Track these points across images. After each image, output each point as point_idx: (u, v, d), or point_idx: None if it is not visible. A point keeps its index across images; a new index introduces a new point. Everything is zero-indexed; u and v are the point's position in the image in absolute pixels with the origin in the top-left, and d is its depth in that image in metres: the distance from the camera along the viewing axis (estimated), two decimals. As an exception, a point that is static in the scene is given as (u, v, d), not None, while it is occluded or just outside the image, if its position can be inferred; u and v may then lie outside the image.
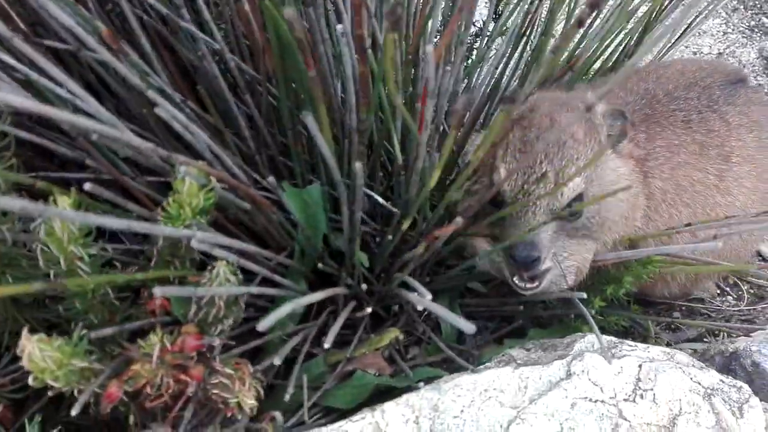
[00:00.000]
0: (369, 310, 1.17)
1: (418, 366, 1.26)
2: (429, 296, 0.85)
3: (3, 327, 0.86)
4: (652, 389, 1.01)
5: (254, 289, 0.84)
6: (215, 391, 0.78)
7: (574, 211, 1.05)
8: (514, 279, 1.08)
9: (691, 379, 1.03)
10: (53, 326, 0.97)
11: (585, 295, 1.09)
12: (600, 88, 1.27)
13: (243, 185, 0.88)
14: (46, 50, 0.94)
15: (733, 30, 2.62)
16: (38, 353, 0.65)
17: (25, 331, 0.67)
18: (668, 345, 1.60)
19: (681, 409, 1.00)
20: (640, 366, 1.03)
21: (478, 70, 1.57)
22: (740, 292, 1.87)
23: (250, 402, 0.78)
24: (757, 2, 2.72)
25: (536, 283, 1.08)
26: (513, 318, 1.44)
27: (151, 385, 0.77)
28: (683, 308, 1.82)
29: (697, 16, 1.81)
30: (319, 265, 1.15)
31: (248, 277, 1.03)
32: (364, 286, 1.18)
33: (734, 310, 1.84)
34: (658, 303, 1.76)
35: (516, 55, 1.52)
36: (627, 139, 1.12)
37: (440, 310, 0.74)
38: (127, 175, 0.96)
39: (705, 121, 1.26)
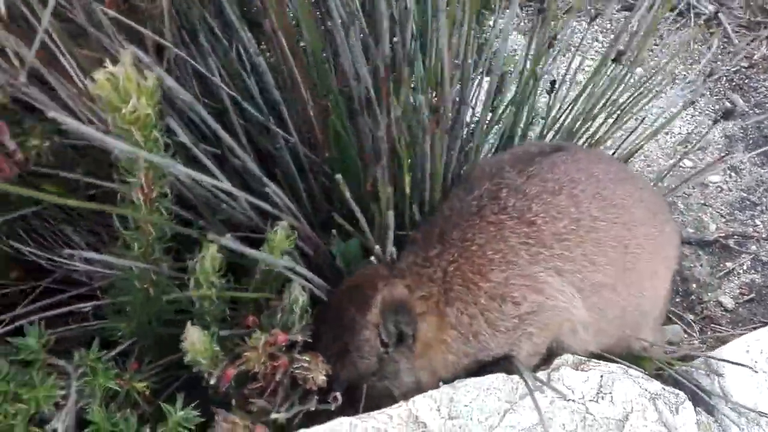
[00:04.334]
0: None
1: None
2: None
3: (145, 338, 1.24)
4: (610, 393, 1.35)
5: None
6: (298, 371, 1.13)
7: None
8: None
9: (640, 386, 1.37)
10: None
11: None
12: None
13: (311, 235, 1.27)
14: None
15: (700, 113, 3.06)
16: (196, 340, 1.02)
17: (189, 325, 1.03)
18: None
19: (632, 408, 1.33)
20: (601, 376, 1.37)
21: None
22: (693, 333, 2.23)
23: (321, 378, 1.13)
24: (721, 89, 3.17)
25: None
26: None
27: (254, 370, 1.12)
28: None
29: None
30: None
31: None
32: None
33: (699, 344, 2.20)
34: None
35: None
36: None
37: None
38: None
39: (497, 200, 1.32)
